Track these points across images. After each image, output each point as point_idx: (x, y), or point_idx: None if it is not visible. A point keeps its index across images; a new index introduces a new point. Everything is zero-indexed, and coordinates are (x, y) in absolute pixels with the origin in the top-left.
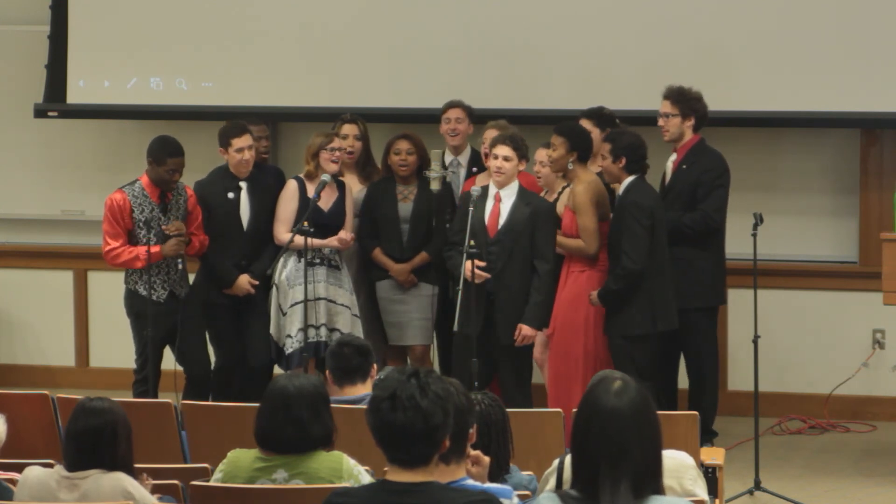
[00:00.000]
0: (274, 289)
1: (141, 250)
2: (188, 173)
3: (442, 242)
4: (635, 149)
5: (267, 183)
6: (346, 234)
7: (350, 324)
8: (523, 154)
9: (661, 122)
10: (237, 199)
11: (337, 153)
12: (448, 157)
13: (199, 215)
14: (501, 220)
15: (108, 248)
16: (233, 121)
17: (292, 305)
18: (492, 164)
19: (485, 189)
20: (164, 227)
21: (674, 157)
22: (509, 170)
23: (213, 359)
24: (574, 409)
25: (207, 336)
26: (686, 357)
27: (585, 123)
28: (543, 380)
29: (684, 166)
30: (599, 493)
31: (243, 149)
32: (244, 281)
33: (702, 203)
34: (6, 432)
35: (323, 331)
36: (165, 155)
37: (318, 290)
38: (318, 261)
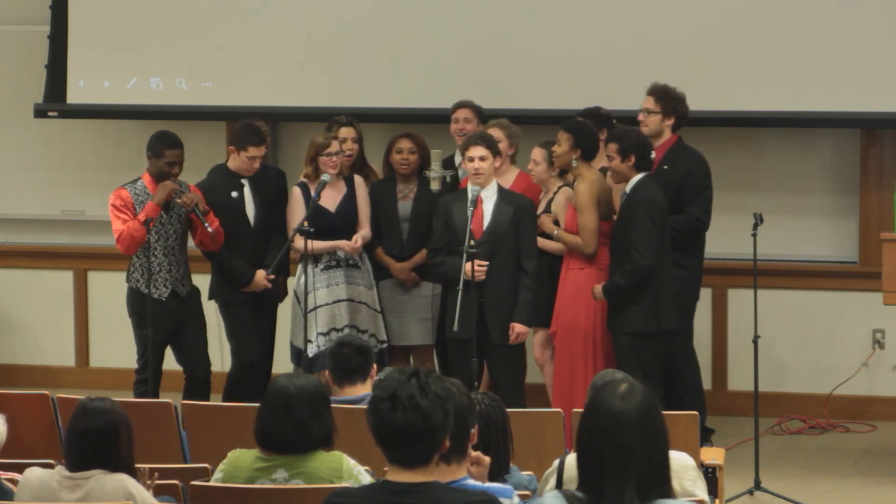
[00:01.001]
0: (293, 294)
1: (137, 221)
2: (189, 172)
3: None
4: (643, 146)
5: (268, 179)
6: (353, 242)
7: (368, 319)
8: (497, 151)
9: (640, 116)
10: (241, 198)
11: (335, 158)
12: (458, 158)
13: (210, 213)
14: (486, 222)
15: (116, 234)
16: (253, 125)
17: (311, 310)
18: (468, 166)
19: (463, 193)
20: (178, 200)
21: (651, 155)
22: (487, 169)
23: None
24: (575, 409)
25: (225, 336)
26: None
27: None
28: (543, 380)
29: (665, 166)
30: (604, 495)
31: (256, 158)
32: (261, 277)
33: (688, 206)
34: (6, 432)
35: (346, 332)
36: (164, 147)
37: (339, 293)
38: (333, 263)
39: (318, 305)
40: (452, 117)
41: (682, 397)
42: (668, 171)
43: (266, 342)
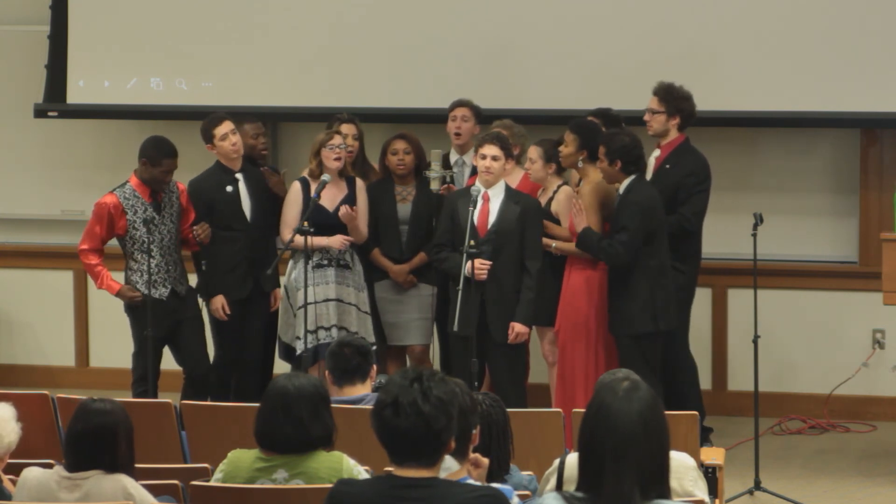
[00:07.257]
0: (283, 290)
1: (105, 281)
2: (188, 173)
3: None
4: (629, 150)
5: (261, 174)
6: (344, 238)
7: (357, 322)
8: (510, 153)
9: (646, 117)
10: (236, 192)
11: (338, 150)
12: (453, 156)
13: (192, 213)
14: (491, 220)
15: (83, 247)
16: (209, 115)
17: (300, 308)
18: (479, 163)
19: (468, 190)
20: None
21: (657, 153)
22: (497, 169)
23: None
24: (576, 409)
25: (210, 333)
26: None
27: None
28: (549, 379)
29: (667, 166)
30: (604, 494)
31: (227, 134)
32: (218, 303)
33: (681, 206)
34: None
35: (334, 331)
36: (161, 156)
37: (328, 292)
38: (325, 262)
39: (306, 303)
40: (450, 115)
41: (685, 395)
42: (669, 171)
43: (254, 341)
